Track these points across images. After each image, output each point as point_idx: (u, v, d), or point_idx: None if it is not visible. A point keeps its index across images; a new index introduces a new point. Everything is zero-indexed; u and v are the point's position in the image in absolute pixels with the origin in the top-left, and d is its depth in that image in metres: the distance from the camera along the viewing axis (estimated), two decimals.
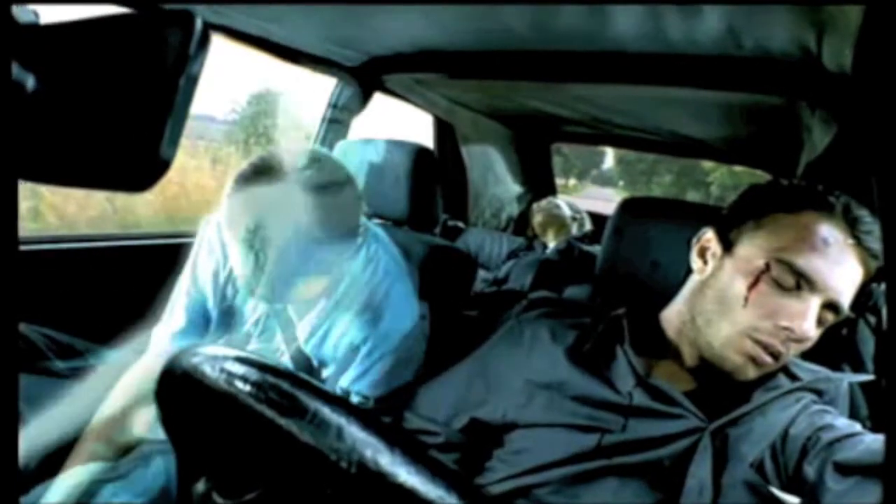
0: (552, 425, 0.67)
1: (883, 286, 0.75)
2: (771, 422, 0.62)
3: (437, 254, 1.11)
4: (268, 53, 1.32)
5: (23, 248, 1.13)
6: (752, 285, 0.63)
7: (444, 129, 2.13)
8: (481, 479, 0.68)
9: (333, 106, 1.52)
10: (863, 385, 0.73)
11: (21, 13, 0.27)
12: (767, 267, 0.63)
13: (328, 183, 0.79)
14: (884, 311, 0.79)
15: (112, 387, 0.86)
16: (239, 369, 0.35)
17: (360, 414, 0.33)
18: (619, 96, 1.42)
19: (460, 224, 2.24)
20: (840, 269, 0.62)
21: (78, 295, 1.18)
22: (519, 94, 1.60)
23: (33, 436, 0.73)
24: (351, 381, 0.89)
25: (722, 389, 0.66)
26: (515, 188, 2.28)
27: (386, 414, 0.82)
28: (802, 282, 0.62)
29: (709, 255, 0.70)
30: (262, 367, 0.36)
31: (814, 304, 0.62)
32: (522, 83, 1.40)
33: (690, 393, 0.67)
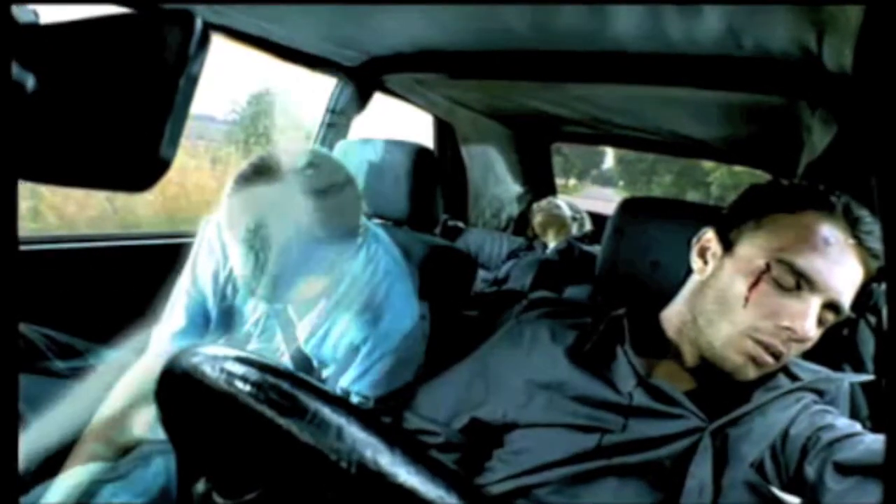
0: (552, 425, 0.67)
1: (883, 286, 0.75)
2: (771, 422, 0.62)
3: (437, 254, 1.11)
4: (268, 53, 1.32)
5: (23, 248, 1.13)
6: (753, 285, 0.63)
7: (444, 129, 2.13)
8: (481, 479, 0.68)
9: (333, 106, 1.52)
10: (863, 385, 0.73)
11: (21, 13, 0.27)
12: (768, 267, 0.63)
13: (328, 183, 0.79)
14: (884, 311, 0.79)
15: (112, 387, 0.86)
16: (239, 369, 0.35)
17: (360, 414, 0.33)
18: (620, 96, 1.42)
19: (460, 224, 2.24)
20: (840, 269, 0.62)
21: (78, 295, 1.18)
22: (519, 94, 1.60)
23: (34, 438, 0.73)
24: (351, 381, 0.89)
25: (722, 389, 0.66)
26: (515, 188, 2.28)
27: (386, 414, 0.82)
28: (803, 282, 0.62)
29: (709, 256, 0.70)
30: (262, 367, 0.36)
31: (814, 304, 0.62)
32: (522, 83, 1.40)
33: (691, 393, 0.67)
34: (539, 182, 2.35)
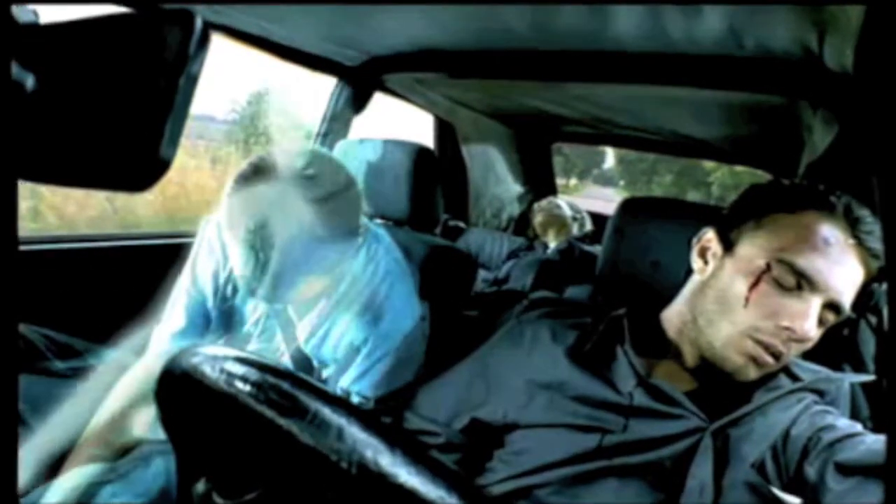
0: (553, 426, 0.67)
1: (884, 286, 0.75)
2: (772, 422, 0.62)
3: (438, 254, 1.11)
4: (268, 53, 1.32)
5: (23, 248, 1.13)
6: (753, 285, 0.63)
7: (444, 129, 2.13)
8: (482, 479, 0.68)
9: (333, 106, 1.52)
10: (864, 385, 0.73)
11: (21, 13, 0.27)
12: (768, 267, 0.63)
13: (328, 183, 0.79)
14: (885, 312, 0.79)
15: (112, 387, 0.86)
16: (239, 369, 0.35)
17: (360, 414, 0.33)
18: (620, 96, 1.42)
19: (461, 224, 2.24)
20: (841, 270, 0.62)
21: (78, 295, 1.18)
22: (519, 94, 1.60)
23: (40, 444, 0.73)
24: (351, 381, 0.89)
25: (723, 390, 0.66)
26: (516, 188, 2.28)
27: (386, 414, 0.82)
28: (803, 282, 0.62)
29: (709, 256, 0.70)
30: (262, 367, 0.36)
31: (815, 304, 0.62)
32: (523, 83, 1.40)
33: (691, 393, 0.67)
34: (540, 182, 2.35)
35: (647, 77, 1.11)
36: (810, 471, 0.57)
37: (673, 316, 0.73)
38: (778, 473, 0.60)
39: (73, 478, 0.74)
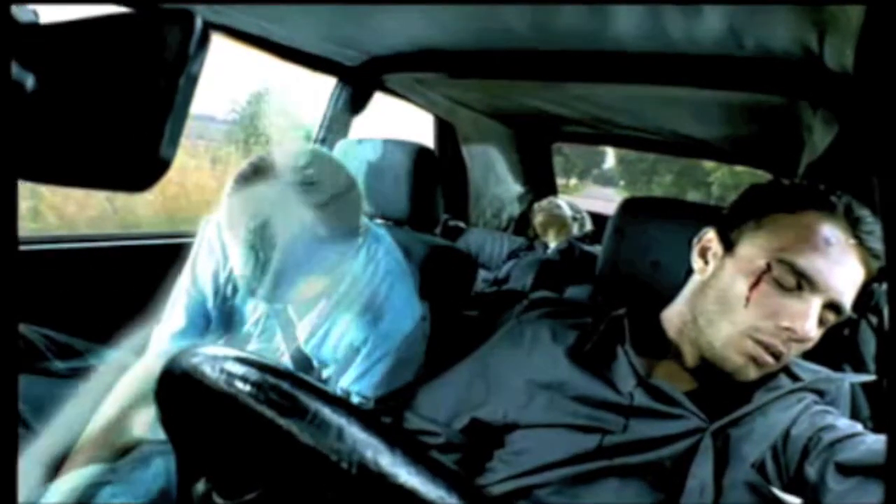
0: (553, 426, 0.67)
1: (884, 286, 0.75)
2: (772, 422, 0.62)
3: (438, 254, 1.11)
4: (268, 53, 1.32)
5: (23, 248, 1.13)
6: (754, 285, 0.63)
7: (444, 129, 2.13)
8: (482, 479, 0.68)
9: (333, 105, 1.52)
10: (864, 385, 0.73)
11: (21, 13, 0.27)
12: (769, 267, 0.63)
13: (328, 183, 0.79)
14: (885, 312, 0.79)
15: (113, 388, 0.86)
16: (239, 369, 0.35)
17: (360, 414, 0.33)
18: (620, 96, 1.42)
19: (461, 224, 2.24)
20: (841, 270, 0.62)
21: (78, 295, 1.18)
22: (520, 94, 1.60)
23: (45, 447, 0.73)
24: (351, 381, 0.89)
25: (723, 390, 0.66)
26: (516, 188, 2.28)
27: (386, 414, 0.82)
28: (804, 282, 0.61)
29: (710, 256, 0.70)
30: (262, 367, 0.36)
31: (815, 304, 0.62)
32: (523, 83, 1.40)
33: (691, 393, 0.67)
34: (540, 182, 2.35)
35: (647, 77, 1.11)
36: (810, 471, 0.57)
37: (673, 316, 0.73)
38: (778, 473, 0.59)
39: (72, 479, 0.74)
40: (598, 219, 2.26)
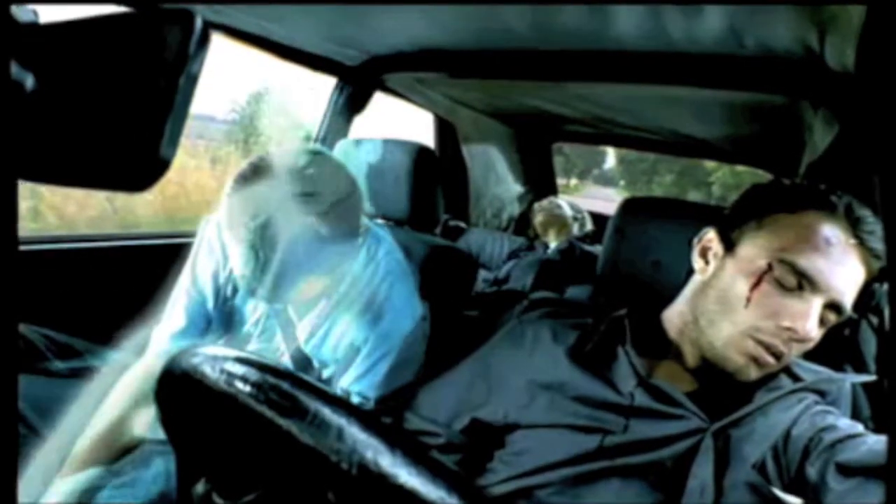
0: (554, 426, 0.67)
1: (885, 286, 0.75)
2: (773, 422, 0.62)
3: (438, 254, 1.11)
4: (268, 52, 1.32)
5: (23, 248, 1.13)
6: (754, 285, 0.63)
7: (445, 129, 2.12)
8: (483, 480, 0.68)
9: (333, 105, 1.52)
10: (865, 386, 0.73)
11: (21, 13, 0.27)
12: (769, 267, 0.63)
13: (329, 194, 0.79)
14: (886, 312, 0.79)
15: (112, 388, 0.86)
16: (239, 370, 0.35)
17: (360, 415, 0.33)
18: (621, 95, 1.42)
19: (461, 224, 2.24)
20: (842, 270, 0.61)
21: (78, 295, 1.18)
22: (520, 94, 1.60)
23: (49, 452, 0.73)
24: (351, 381, 0.89)
25: (724, 390, 0.66)
26: (516, 188, 2.28)
27: (387, 415, 0.82)
28: (804, 282, 0.61)
29: (710, 256, 0.70)
30: (263, 367, 0.36)
31: (816, 304, 0.61)
32: (523, 82, 1.40)
33: (692, 393, 0.66)
34: (540, 182, 2.35)
35: (647, 76, 1.11)
36: (811, 471, 0.57)
37: (674, 316, 0.73)
38: (779, 474, 0.59)
39: (72, 480, 0.74)
40: (598, 219, 2.26)
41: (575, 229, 2.17)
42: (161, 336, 0.93)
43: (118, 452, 0.79)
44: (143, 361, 0.90)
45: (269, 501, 0.35)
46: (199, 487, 0.39)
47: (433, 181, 1.16)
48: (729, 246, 0.68)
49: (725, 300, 0.65)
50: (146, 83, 0.25)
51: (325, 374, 0.93)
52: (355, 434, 0.32)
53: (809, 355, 0.67)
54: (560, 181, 2.65)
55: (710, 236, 0.71)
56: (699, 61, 1.01)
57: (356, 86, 1.50)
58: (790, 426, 0.61)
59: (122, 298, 1.07)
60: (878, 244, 0.62)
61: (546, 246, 2.12)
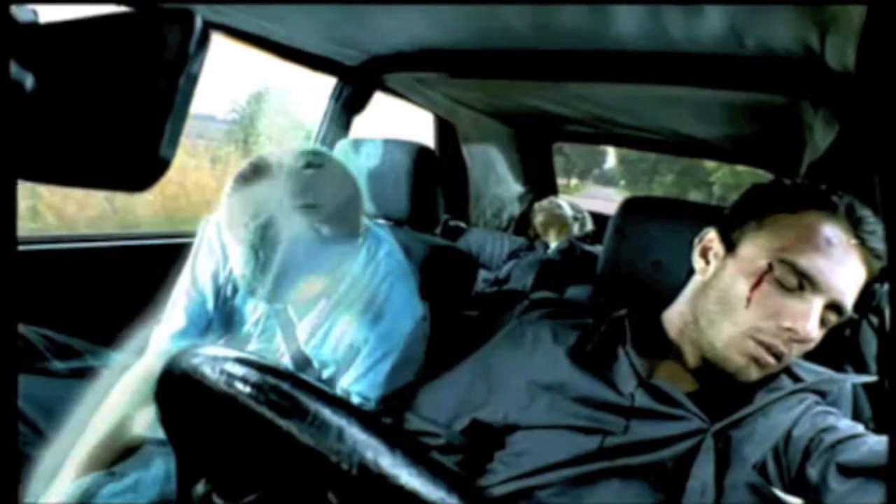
0: (554, 427, 0.67)
1: (886, 286, 0.75)
2: (773, 423, 0.62)
3: (438, 254, 1.11)
4: (268, 52, 1.32)
5: (22, 248, 1.13)
6: (755, 286, 0.63)
7: (445, 129, 2.12)
8: (483, 480, 0.68)
9: (334, 105, 1.52)
10: (866, 386, 0.73)
11: (20, 12, 0.27)
12: (770, 267, 0.63)
13: (329, 204, 0.79)
14: (887, 312, 0.79)
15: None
16: (239, 370, 0.35)
17: (360, 415, 0.33)
18: (621, 95, 1.42)
19: (461, 224, 2.24)
20: (843, 270, 0.61)
21: (78, 295, 1.18)
22: (520, 94, 1.60)
23: (56, 453, 0.73)
24: (351, 381, 0.89)
25: (724, 390, 0.66)
26: (517, 188, 2.28)
27: (387, 415, 0.82)
28: (805, 282, 0.61)
29: (711, 256, 0.70)
30: (263, 368, 0.35)
31: (817, 304, 0.61)
32: (524, 82, 1.40)
33: (693, 394, 0.66)
34: (540, 181, 2.35)
35: (648, 76, 1.11)
36: (812, 472, 0.57)
37: (674, 316, 0.73)
38: (779, 474, 0.59)
39: (72, 479, 0.74)
40: (598, 219, 2.25)
41: (575, 229, 2.17)
42: (161, 336, 0.92)
43: (118, 453, 0.79)
44: (142, 362, 0.90)
45: (270, 502, 0.35)
46: (199, 488, 0.39)
47: (433, 181, 1.16)
48: (729, 246, 0.68)
49: (726, 300, 0.65)
50: (146, 83, 0.25)
51: (325, 374, 0.93)
52: (355, 434, 0.32)
53: (810, 356, 0.67)
54: (560, 181, 2.65)
55: (711, 236, 0.71)
56: (699, 61, 1.01)
57: (356, 86, 1.49)
58: (791, 427, 0.61)
59: (121, 298, 1.07)
60: (878, 244, 0.61)
61: (546, 246, 2.12)
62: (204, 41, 0.25)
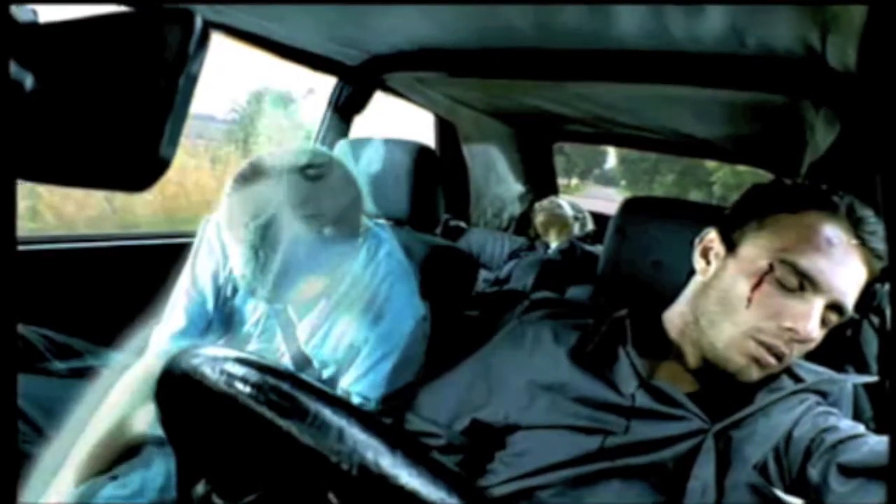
0: (554, 427, 0.67)
1: (887, 287, 0.75)
2: (774, 423, 0.62)
3: (439, 254, 1.11)
4: (268, 52, 1.32)
5: (21, 248, 1.13)
6: (756, 286, 0.63)
7: (445, 128, 2.12)
8: (483, 481, 0.68)
9: (334, 105, 1.52)
10: (866, 386, 0.73)
11: (20, 12, 0.27)
12: (771, 267, 0.62)
13: (330, 213, 0.79)
14: (888, 312, 0.79)
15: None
16: (239, 370, 0.35)
17: (361, 415, 0.33)
18: (622, 95, 1.41)
19: (462, 224, 2.24)
20: (844, 270, 0.61)
21: (77, 295, 1.18)
22: (521, 93, 1.60)
23: (57, 454, 0.73)
24: (352, 382, 0.89)
25: (725, 391, 0.66)
26: (517, 188, 2.28)
27: (387, 415, 0.82)
28: (806, 282, 0.61)
29: (712, 256, 0.70)
30: (263, 368, 0.35)
31: (817, 304, 0.61)
32: (524, 82, 1.40)
33: (693, 394, 0.66)
34: (541, 181, 2.35)
35: (648, 76, 1.10)
36: (813, 472, 0.57)
37: (675, 317, 0.73)
38: (780, 475, 0.59)
39: (72, 479, 0.74)
40: (599, 219, 2.25)
41: (576, 229, 2.17)
42: (161, 336, 0.92)
43: (118, 453, 0.79)
44: (142, 362, 0.90)
45: (270, 502, 0.35)
46: (199, 488, 0.39)
47: (433, 181, 1.16)
48: (730, 246, 0.68)
49: (727, 301, 0.65)
50: (146, 83, 0.25)
51: (326, 374, 0.93)
52: (356, 435, 0.32)
53: (811, 356, 0.67)
54: (561, 181, 2.65)
55: (712, 236, 0.71)
56: (700, 61, 1.01)
57: (356, 85, 1.49)
58: (792, 427, 0.61)
59: (121, 298, 1.07)
60: (879, 244, 0.61)
61: (547, 246, 2.12)
62: (204, 41, 0.25)
